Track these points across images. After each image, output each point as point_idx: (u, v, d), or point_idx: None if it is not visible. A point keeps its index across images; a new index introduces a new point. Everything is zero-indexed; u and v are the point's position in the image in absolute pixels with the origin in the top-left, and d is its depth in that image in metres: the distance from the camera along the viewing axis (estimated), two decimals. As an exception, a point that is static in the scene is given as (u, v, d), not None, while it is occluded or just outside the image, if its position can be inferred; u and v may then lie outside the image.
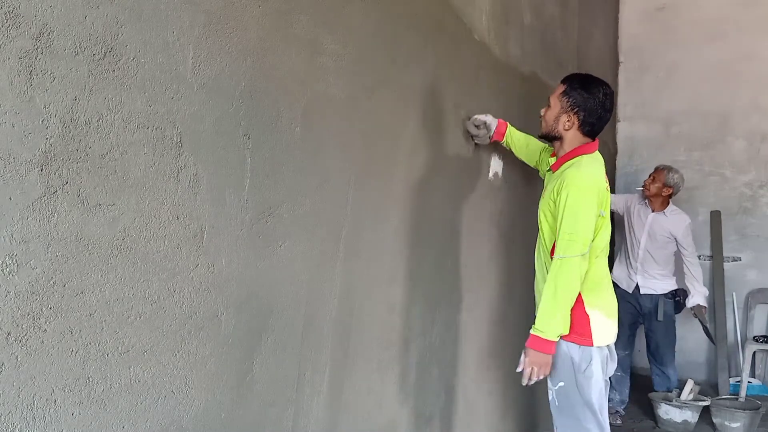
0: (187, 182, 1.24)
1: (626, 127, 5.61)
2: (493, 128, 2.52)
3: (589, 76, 2.26)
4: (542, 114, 2.30)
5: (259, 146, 1.42)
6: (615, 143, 5.59)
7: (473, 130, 2.51)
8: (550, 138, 2.30)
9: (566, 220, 2.08)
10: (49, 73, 0.98)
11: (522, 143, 2.63)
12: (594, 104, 2.18)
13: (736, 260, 5.13)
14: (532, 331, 2.12)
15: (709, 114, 5.26)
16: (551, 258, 2.20)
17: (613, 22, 5.53)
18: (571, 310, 2.13)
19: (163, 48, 1.18)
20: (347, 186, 1.77)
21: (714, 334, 4.91)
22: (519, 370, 2.16)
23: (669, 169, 4.16)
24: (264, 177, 1.44)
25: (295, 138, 1.54)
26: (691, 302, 4.17)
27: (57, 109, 0.99)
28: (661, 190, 4.12)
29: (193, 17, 1.24)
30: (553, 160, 2.35)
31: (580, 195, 2.08)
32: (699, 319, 4.26)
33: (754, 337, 4.78)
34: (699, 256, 4.42)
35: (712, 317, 5.07)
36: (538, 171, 2.65)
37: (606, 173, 2.29)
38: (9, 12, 0.92)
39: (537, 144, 2.62)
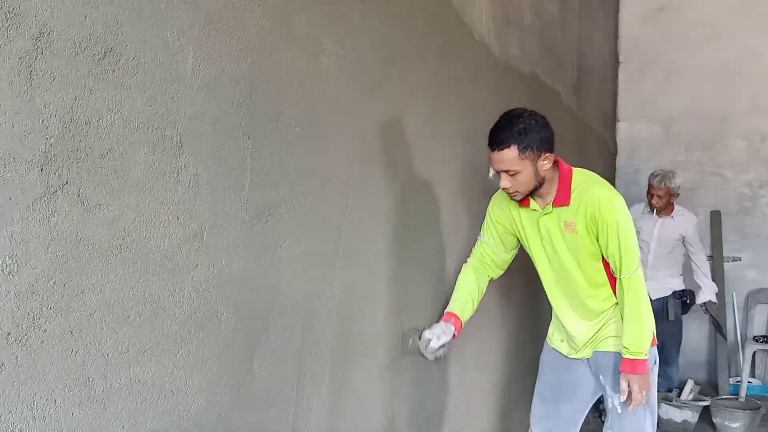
0: (187, 182, 1.24)
1: (626, 127, 5.61)
2: (450, 337, 2.17)
3: (509, 120, 2.00)
4: (508, 186, 2.02)
5: (259, 146, 1.42)
6: (615, 143, 5.59)
7: (431, 357, 2.16)
8: (536, 190, 2.09)
9: (622, 238, 2.01)
10: (49, 73, 0.98)
11: (472, 300, 2.29)
12: (544, 129, 2.02)
13: (736, 260, 5.13)
14: (626, 356, 2.05)
15: (709, 114, 5.26)
16: (609, 282, 2.15)
17: (613, 22, 5.53)
18: None
19: (163, 48, 1.18)
20: (347, 186, 1.77)
21: (714, 335, 4.92)
22: (624, 399, 2.07)
23: (667, 177, 4.08)
24: (264, 177, 1.44)
25: (295, 138, 1.54)
26: (701, 298, 4.19)
27: (57, 109, 0.99)
28: (669, 201, 4.11)
29: (193, 17, 1.24)
30: (526, 209, 2.16)
31: (621, 209, 2.04)
32: (710, 314, 4.29)
33: (754, 337, 4.78)
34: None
35: (717, 313, 5.08)
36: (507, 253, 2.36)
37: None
38: (9, 12, 0.92)
39: (469, 282, 2.30)
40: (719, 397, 4.28)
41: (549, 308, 2.84)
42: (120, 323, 1.11)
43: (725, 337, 4.80)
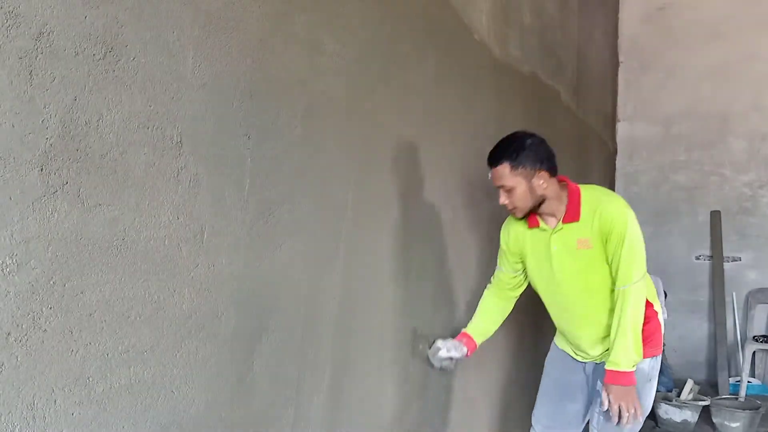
0: (187, 182, 1.24)
1: (626, 127, 5.61)
2: (460, 357, 2.24)
3: (506, 141, 2.10)
4: (506, 202, 2.09)
5: (259, 146, 1.42)
6: (615, 143, 5.59)
7: (437, 364, 2.22)
8: (535, 208, 2.13)
9: (626, 251, 2.03)
10: (49, 73, 0.98)
11: (489, 325, 2.38)
12: (541, 150, 2.08)
13: (736, 260, 5.14)
14: (607, 367, 2.04)
15: (709, 114, 5.26)
16: (603, 304, 2.14)
17: (613, 22, 5.53)
18: (647, 324, 2.12)
19: (163, 48, 1.18)
20: (347, 186, 1.77)
21: (714, 334, 4.92)
22: (605, 409, 2.05)
23: None
24: (264, 177, 1.44)
25: (295, 138, 1.54)
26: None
27: (57, 109, 0.99)
28: None
29: (193, 17, 1.24)
30: (535, 230, 2.20)
31: (632, 223, 2.05)
32: None
33: (754, 337, 4.78)
34: (699, 256, 4.43)
35: (712, 317, 5.08)
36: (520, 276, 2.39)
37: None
38: (9, 12, 0.92)
39: (490, 307, 2.39)
40: (719, 397, 4.28)
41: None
42: (120, 323, 1.11)
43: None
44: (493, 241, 2.84)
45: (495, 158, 2.09)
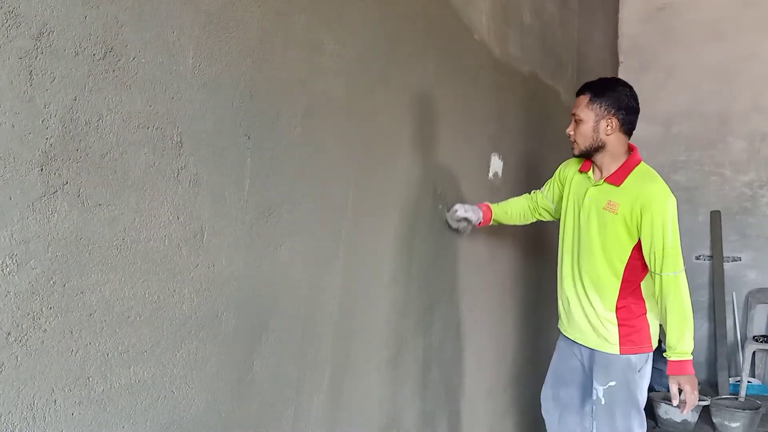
0: (187, 182, 1.24)
1: (626, 127, 5.60)
2: (475, 220, 2.38)
3: (605, 78, 2.23)
4: (571, 133, 2.19)
5: (259, 146, 1.42)
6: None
7: (454, 224, 2.35)
8: (591, 152, 2.19)
9: (669, 236, 2.05)
10: (49, 73, 0.98)
11: (509, 213, 2.52)
12: (626, 100, 2.14)
13: (736, 260, 5.13)
14: (672, 358, 2.07)
15: (709, 114, 5.26)
16: (622, 276, 2.17)
17: (613, 22, 5.53)
18: (635, 319, 2.16)
19: (163, 48, 1.18)
20: (347, 186, 1.77)
21: (714, 334, 4.92)
22: (676, 404, 2.08)
23: None
24: (264, 177, 1.44)
25: (295, 138, 1.54)
26: None
27: (57, 109, 0.99)
28: None
29: (193, 17, 1.24)
30: (583, 175, 2.27)
31: (672, 209, 2.07)
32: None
33: (754, 337, 4.78)
34: (699, 256, 4.42)
35: (712, 317, 5.08)
36: (537, 215, 2.58)
37: None
38: (9, 12, 0.92)
39: (520, 202, 2.55)
40: (719, 397, 4.28)
41: (549, 310, 2.84)
42: (120, 323, 1.11)
43: None
44: (493, 240, 2.84)
45: (583, 87, 2.21)
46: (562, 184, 2.42)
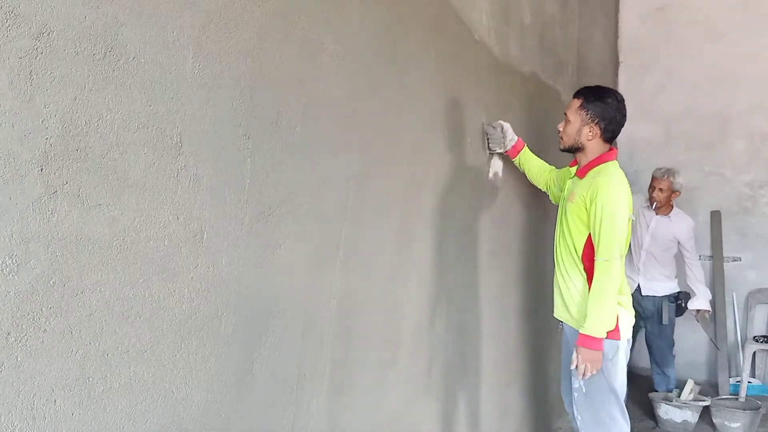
0: (187, 182, 1.24)
1: (626, 127, 5.51)
2: (509, 137, 2.65)
3: (600, 87, 2.42)
4: (560, 129, 2.44)
5: (259, 146, 1.42)
6: (615, 143, 5.59)
7: (490, 130, 2.63)
8: (573, 150, 2.45)
9: (606, 225, 2.24)
10: (49, 73, 0.98)
11: (534, 165, 2.78)
12: (611, 112, 2.35)
13: (736, 260, 5.13)
14: (581, 331, 2.28)
15: (709, 114, 5.25)
16: (581, 260, 2.40)
17: (613, 22, 5.53)
18: None
19: (163, 48, 1.18)
20: (347, 186, 1.77)
21: (715, 336, 4.91)
22: (572, 367, 2.30)
23: (671, 173, 4.13)
24: (264, 177, 1.44)
25: (295, 138, 1.54)
26: (693, 305, 4.17)
27: (57, 109, 0.99)
28: (669, 198, 4.13)
29: (193, 17, 1.24)
30: (574, 170, 2.52)
31: (615, 201, 2.26)
32: (702, 325, 4.26)
33: (754, 337, 4.78)
34: (699, 257, 4.42)
35: (713, 317, 5.07)
36: (548, 195, 2.83)
37: None
38: (9, 12, 0.92)
39: (546, 167, 2.79)
40: (719, 397, 4.28)
41: (549, 308, 2.85)
42: (120, 323, 1.11)
43: (718, 348, 4.80)
44: (493, 240, 2.84)
45: (580, 91, 2.44)
46: (564, 181, 2.64)
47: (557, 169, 2.79)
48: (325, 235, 1.69)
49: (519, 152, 2.74)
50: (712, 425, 3.99)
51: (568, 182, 2.53)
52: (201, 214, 1.27)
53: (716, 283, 5.06)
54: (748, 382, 4.50)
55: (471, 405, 2.67)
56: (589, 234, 2.36)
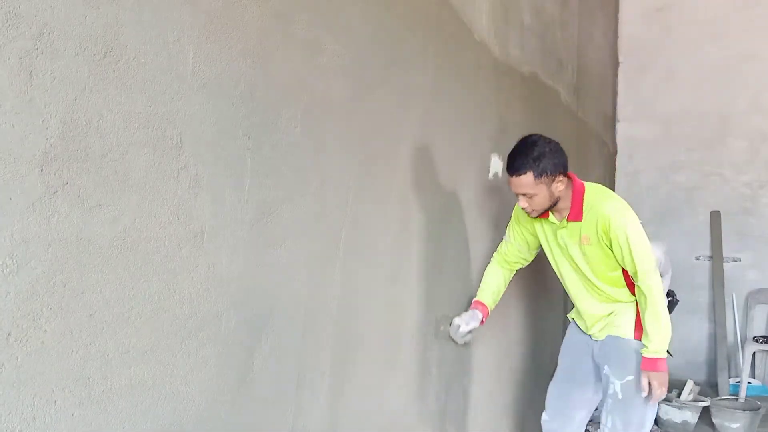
0: (187, 182, 1.24)
1: (626, 128, 5.61)
2: (478, 322, 2.44)
3: (526, 147, 2.17)
4: (525, 206, 2.23)
5: (259, 146, 1.42)
6: (615, 143, 5.59)
7: (461, 341, 2.42)
8: (549, 209, 2.29)
9: (634, 250, 2.18)
10: (49, 73, 0.98)
11: (497, 290, 2.56)
12: (557, 154, 2.19)
13: (736, 260, 5.13)
14: (646, 355, 2.23)
15: (709, 114, 5.26)
16: (624, 280, 2.32)
17: (613, 22, 5.53)
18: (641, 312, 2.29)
19: (163, 48, 1.18)
20: (347, 186, 1.77)
21: (714, 335, 4.91)
22: (645, 395, 2.25)
23: None
24: (264, 177, 1.44)
25: (295, 138, 1.54)
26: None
27: (57, 109, 0.99)
28: None
29: (193, 17, 1.24)
30: (544, 221, 2.37)
31: (634, 224, 2.21)
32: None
33: (754, 338, 4.78)
34: (699, 257, 4.41)
35: (712, 317, 5.07)
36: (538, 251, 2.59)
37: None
38: (9, 12, 0.92)
39: (497, 276, 2.57)
40: (719, 398, 4.28)
41: (554, 308, 2.84)
42: (120, 323, 1.11)
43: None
44: (493, 241, 2.84)
45: (517, 167, 2.17)
46: (532, 229, 2.48)
47: (509, 240, 2.55)
48: (325, 235, 1.69)
49: (488, 313, 2.50)
50: (712, 425, 3.99)
51: (560, 231, 2.33)
52: (201, 214, 1.27)
53: (716, 283, 5.06)
54: (748, 382, 4.50)
55: (471, 405, 2.67)
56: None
